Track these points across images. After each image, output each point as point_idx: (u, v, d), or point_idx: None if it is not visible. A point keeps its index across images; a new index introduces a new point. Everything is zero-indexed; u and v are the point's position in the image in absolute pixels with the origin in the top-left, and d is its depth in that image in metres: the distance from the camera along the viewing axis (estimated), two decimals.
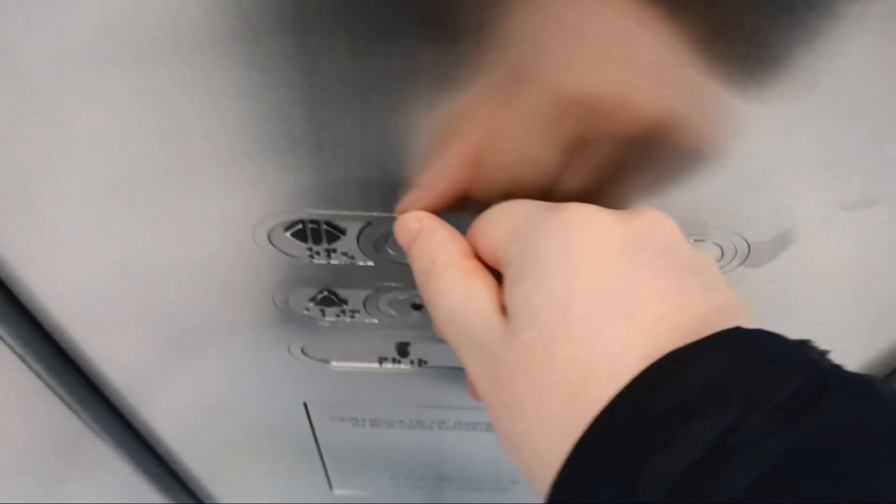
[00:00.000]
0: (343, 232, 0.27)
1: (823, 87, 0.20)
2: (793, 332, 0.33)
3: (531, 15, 0.18)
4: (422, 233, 0.24)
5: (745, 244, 0.27)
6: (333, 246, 0.27)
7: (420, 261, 0.24)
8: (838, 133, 0.22)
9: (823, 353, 0.18)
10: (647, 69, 0.20)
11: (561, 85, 0.20)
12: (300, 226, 0.26)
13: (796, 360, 0.16)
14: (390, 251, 0.28)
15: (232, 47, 0.19)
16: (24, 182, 0.24)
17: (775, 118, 0.21)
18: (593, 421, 0.17)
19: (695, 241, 0.27)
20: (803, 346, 0.17)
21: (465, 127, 0.22)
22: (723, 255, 0.28)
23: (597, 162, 0.23)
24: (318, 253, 0.28)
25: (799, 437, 0.14)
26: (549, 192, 0.24)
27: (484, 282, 0.21)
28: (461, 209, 0.26)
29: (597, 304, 0.18)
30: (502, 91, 0.21)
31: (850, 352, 0.33)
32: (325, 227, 0.26)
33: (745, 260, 0.28)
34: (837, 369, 0.16)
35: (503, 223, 0.22)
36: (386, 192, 0.25)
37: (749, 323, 0.19)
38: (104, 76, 0.20)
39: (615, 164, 0.24)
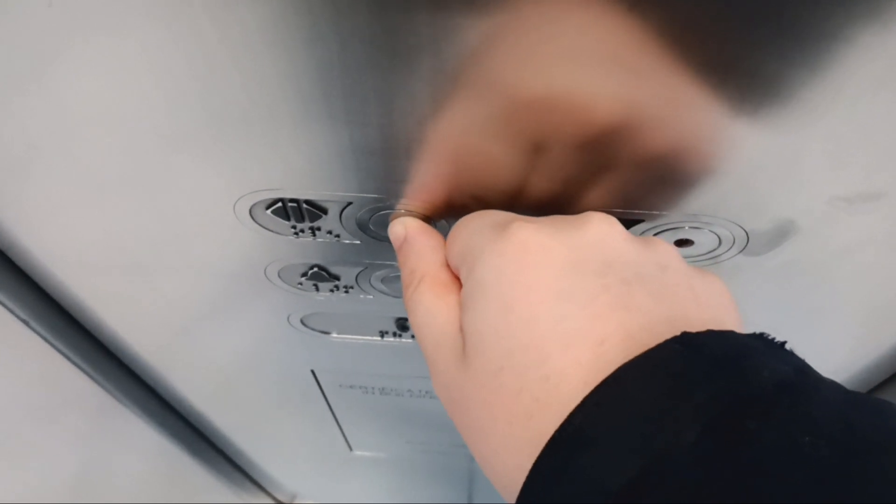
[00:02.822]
0: (324, 211, 0.26)
1: (823, 100, 0.19)
2: (793, 326, 0.31)
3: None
4: (406, 240, 0.25)
5: (744, 233, 0.26)
6: (317, 224, 0.27)
7: (403, 269, 0.24)
8: (838, 126, 0.20)
9: (774, 350, 0.17)
10: (637, 72, 0.19)
11: (542, 86, 0.20)
12: (280, 204, 0.26)
13: (714, 375, 0.15)
14: (375, 230, 0.28)
15: (214, 24, 0.19)
16: (18, 155, 0.25)
17: (770, 122, 0.20)
18: (539, 456, 0.16)
19: (690, 228, 0.26)
20: (745, 350, 0.16)
21: (438, 125, 0.21)
22: (720, 243, 0.27)
23: (586, 159, 0.23)
24: (302, 231, 0.28)
25: (721, 462, 0.14)
26: (534, 185, 0.24)
27: (454, 297, 0.22)
28: (445, 213, 0.25)
29: (538, 335, 0.18)
30: (475, 94, 0.20)
31: (849, 351, 0.32)
32: (305, 206, 0.26)
33: (743, 248, 0.27)
34: (759, 377, 0.15)
35: (458, 242, 0.22)
36: (364, 173, 0.24)
37: (710, 320, 0.18)
38: (92, 41, 0.20)
39: (607, 161, 0.23)
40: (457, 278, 0.23)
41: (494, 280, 0.19)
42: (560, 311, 0.18)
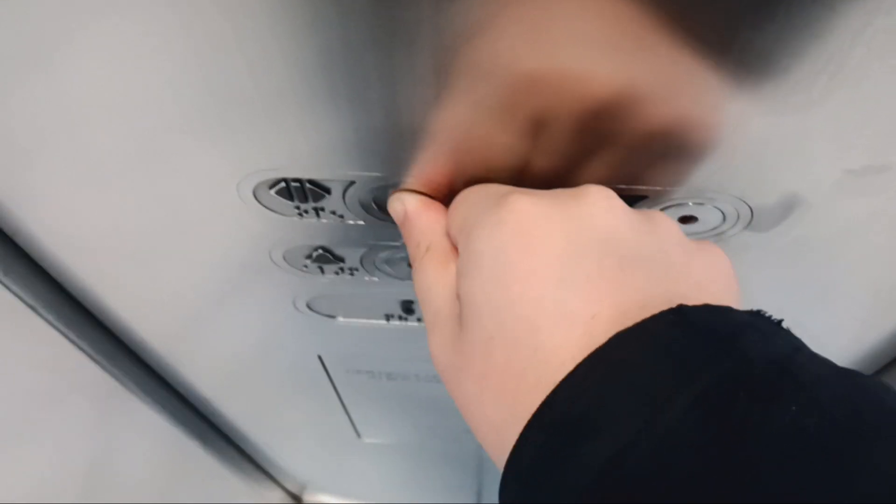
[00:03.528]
0: (328, 191, 0.26)
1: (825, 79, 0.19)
2: (800, 305, 0.31)
3: None
4: (407, 215, 0.24)
5: (748, 208, 0.26)
6: (320, 204, 0.27)
7: (407, 243, 0.24)
8: (843, 101, 0.20)
9: (772, 329, 0.17)
10: (640, 50, 0.19)
11: (545, 63, 0.20)
12: (283, 184, 0.26)
13: (714, 353, 0.15)
14: (379, 210, 0.28)
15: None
16: (23, 141, 0.25)
17: (773, 98, 0.20)
18: (525, 428, 0.16)
19: (694, 204, 0.26)
20: (742, 328, 0.16)
21: (440, 104, 0.21)
22: (724, 219, 0.27)
23: (591, 135, 0.23)
24: (306, 211, 0.28)
25: (707, 437, 0.13)
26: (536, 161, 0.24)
27: (455, 267, 0.22)
28: (448, 190, 0.25)
29: (530, 307, 0.18)
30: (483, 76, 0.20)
31: (855, 331, 0.31)
32: (308, 185, 0.26)
33: (748, 224, 0.27)
34: (761, 357, 0.15)
35: (457, 213, 0.22)
36: (366, 152, 0.24)
37: (708, 297, 0.18)
38: (97, 26, 0.20)
39: (611, 137, 0.23)
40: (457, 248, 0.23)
41: (490, 250, 0.19)
42: (553, 283, 0.18)
